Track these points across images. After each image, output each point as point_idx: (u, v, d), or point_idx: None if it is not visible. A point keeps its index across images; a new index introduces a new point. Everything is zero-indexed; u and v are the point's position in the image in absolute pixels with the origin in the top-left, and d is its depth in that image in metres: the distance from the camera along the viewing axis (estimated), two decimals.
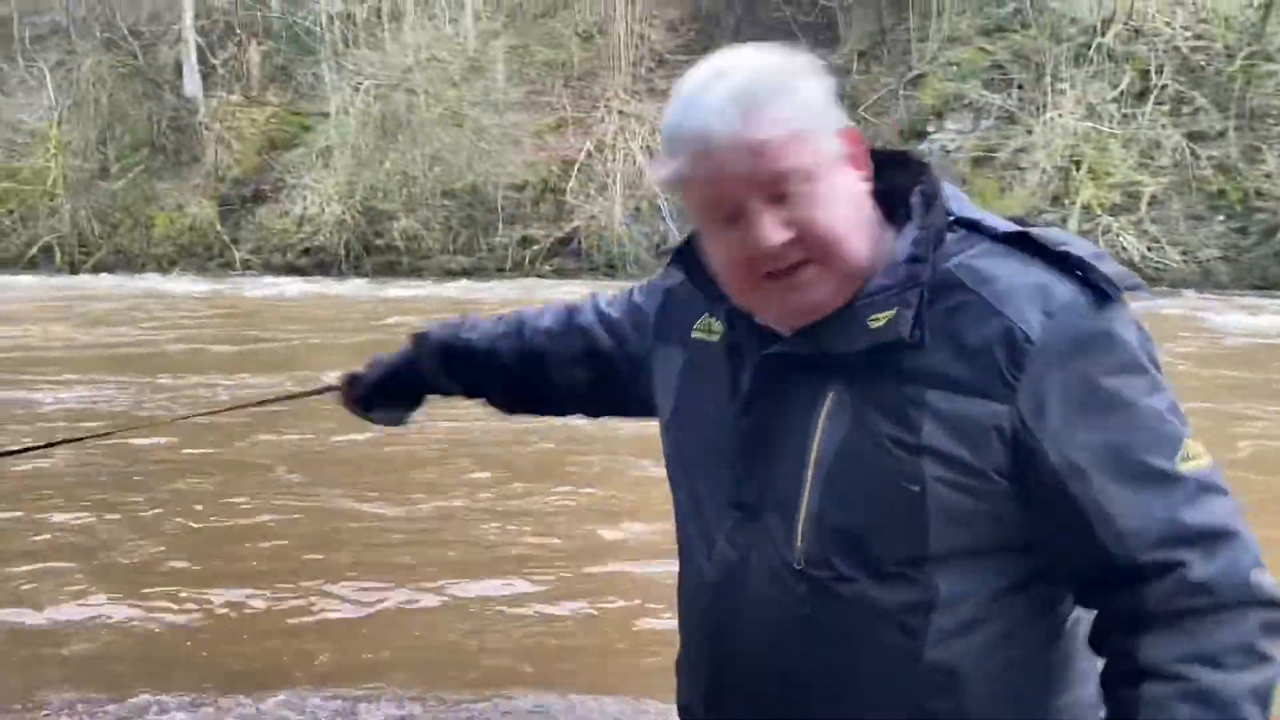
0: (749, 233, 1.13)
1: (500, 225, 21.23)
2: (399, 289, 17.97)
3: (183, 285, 18.72)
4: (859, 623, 1.13)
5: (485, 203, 21.42)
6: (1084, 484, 1.09)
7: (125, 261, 22.24)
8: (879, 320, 1.13)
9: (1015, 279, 1.13)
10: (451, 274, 20.64)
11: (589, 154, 21.12)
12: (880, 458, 1.12)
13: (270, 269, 21.17)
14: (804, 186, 1.13)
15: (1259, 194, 17.84)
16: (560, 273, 20.42)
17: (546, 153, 21.75)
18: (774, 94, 1.12)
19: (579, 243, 20.75)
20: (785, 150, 1.12)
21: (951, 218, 1.18)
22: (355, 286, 18.74)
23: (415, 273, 20.80)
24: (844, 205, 1.15)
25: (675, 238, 20.38)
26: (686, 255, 1.30)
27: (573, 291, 17.74)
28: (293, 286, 18.57)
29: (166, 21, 24.23)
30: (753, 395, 1.20)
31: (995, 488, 1.11)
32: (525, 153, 21.73)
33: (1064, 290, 1.12)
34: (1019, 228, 1.18)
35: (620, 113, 21.33)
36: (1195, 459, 1.11)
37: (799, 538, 1.15)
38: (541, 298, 16.67)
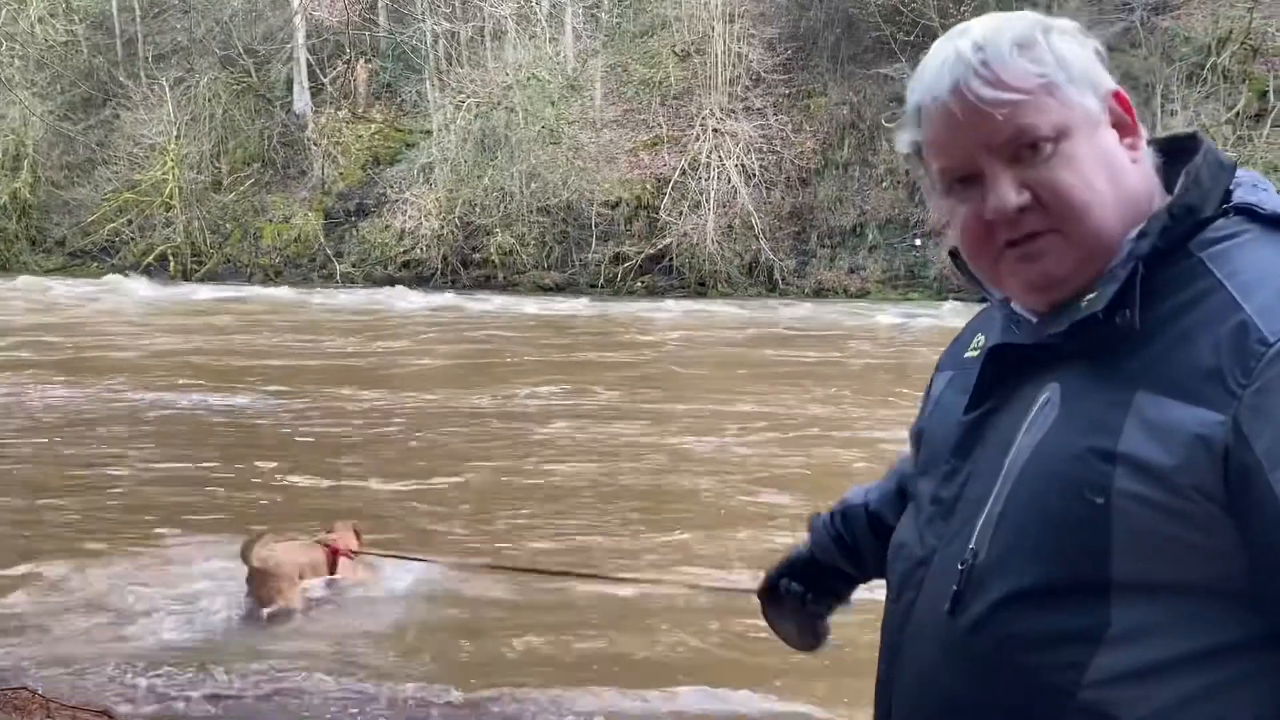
0: (986, 196, 1.04)
1: (594, 241, 21.39)
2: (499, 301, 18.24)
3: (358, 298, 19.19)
4: (1017, 643, 0.98)
5: (579, 219, 21.61)
6: None
7: (234, 271, 23.02)
8: (1089, 301, 1.01)
9: (1271, 269, 0.97)
10: (544, 289, 20.86)
11: (683, 172, 21.15)
12: (1069, 463, 0.97)
13: (370, 281, 21.67)
14: (1048, 146, 1.02)
15: None
16: (652, 290, 20.48)
17: (641, 170, 21.86)
18: (1021, 45, 1.03)
19: (671, 260, 20.77)
20: (1029, 105, 1.02)
21: (1229, 205, 1.03)
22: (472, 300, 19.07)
23: (510, 287, 21.07)
24: (1095, 171, 1.02)
25: (768, 256, 20.31)
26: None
27: (665, 309, 17.80)
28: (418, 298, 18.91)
29: (280, 40, 25.08)
30: (979, 390, 1.10)
31: (1197, 511, 0.92)
32: (620, 170, 21.87)
33: None
34: None
35: (715, 130, 21.33)
36: None
37: (973, 539, 1.03)
38: (630, 313, 16.80)
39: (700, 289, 20.29)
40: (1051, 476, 0.97)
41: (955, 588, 1.02)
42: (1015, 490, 1.00)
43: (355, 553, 4.65)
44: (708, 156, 21.09)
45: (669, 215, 20.87)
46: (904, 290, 19.36)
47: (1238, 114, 18.70)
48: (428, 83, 23.63)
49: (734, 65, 21.85)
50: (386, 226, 23.02)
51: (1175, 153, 1.09)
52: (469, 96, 22.89)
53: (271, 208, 23.84)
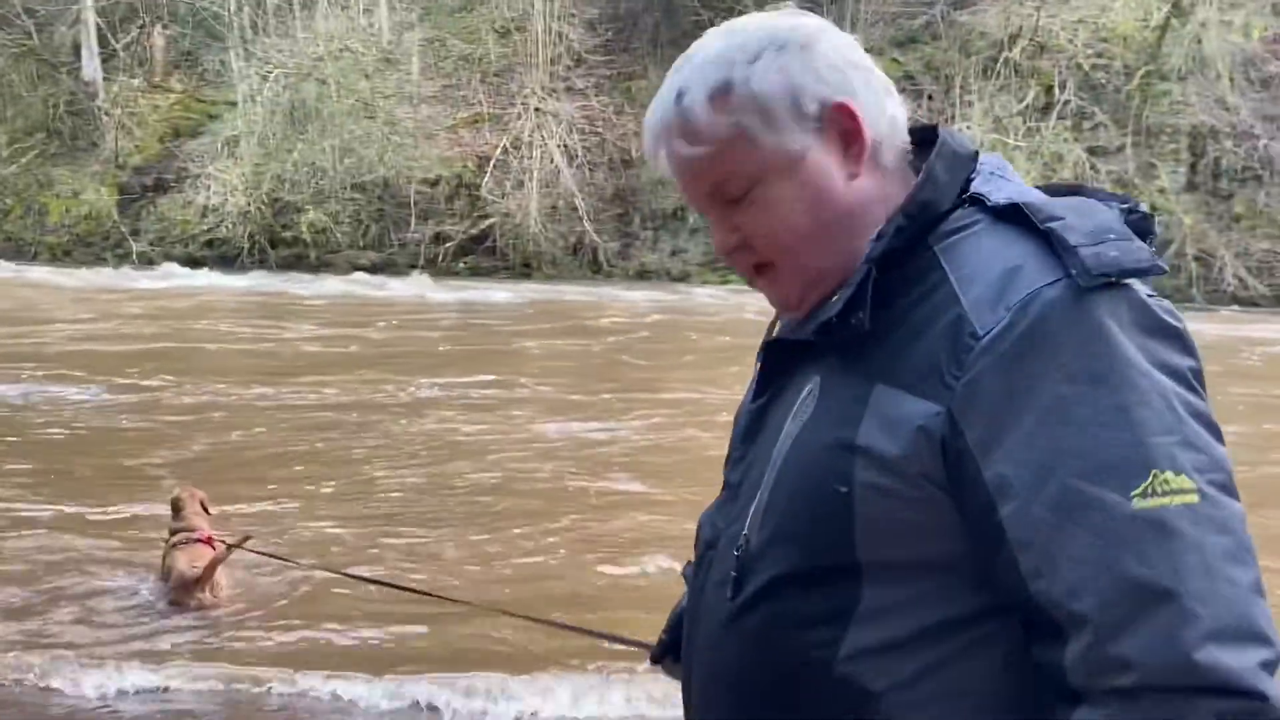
0: (714, 231, 1.14)
1: (413, 220, 20.90)
2: (305, 284, 17.56)
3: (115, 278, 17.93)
4: (781, 622, 1.04)
5: (397, 197, 21.06)
6: (1010, 505, 0.93)
7: (16, 250, 21.28)
8: (833, 301, 1.07)
9: (990, 260, 1.00)
10: (361, 269, 20.25)
11: (505, 150, 20.91)
12: (819, 454, 1.03)
13: (170, 261, 20.46)
14: (749, 192, 1.08)
15: (1154, 208, 18.28)
16: (475, 271, 20.19)
17: (462, 148, 21.47)
18: (714, 95, 1.07)
19: (494, 240, 20.53)
20: (722, 157, 1.08)
21: (966, 194, 1.07)
22: (271, 279, 18.23)
23: (323, 267, 20.34)
24: (796, 209, 1.08)
25: (592, 239, 20.36)
26: None
27: (488, 290, 17.62)
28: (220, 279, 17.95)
29: (64, 1, 23.25)
30: (761, 380, 1.18)
31: (926, 497, 0.98)
32: (440, 147, 21.42)
33: (1036, 275, 0.97)
34: (1014, 198, 1.03)
35: (538, 110, 21.16)
36: (1169, 495, 0.91)
37: (746, 525, 1.09)
38: (454, 298, 16.52)
39: (525, 270, 20.14)
40: (805, 467, 1.04)
41: (733, 572, 1.08)
42: (779, 479, 1.06)
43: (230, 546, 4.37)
44: (530, 135, 20.91)
45: (491, 194, 20.60)
46: (723, 273, 19.79)
47: (1027, 106, 19.96)
48: (231, 52, 22.44)
49: (555, 44, 21.72)
50: (188, 203, 21.77)
51: (929, 142, 1.13)
52: (277, 67, 21.88)
53: (59, 182, 22.12)
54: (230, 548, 4.28)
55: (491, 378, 9.54)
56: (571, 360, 11.10)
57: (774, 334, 1.20)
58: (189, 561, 4.39)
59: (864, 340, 1.03)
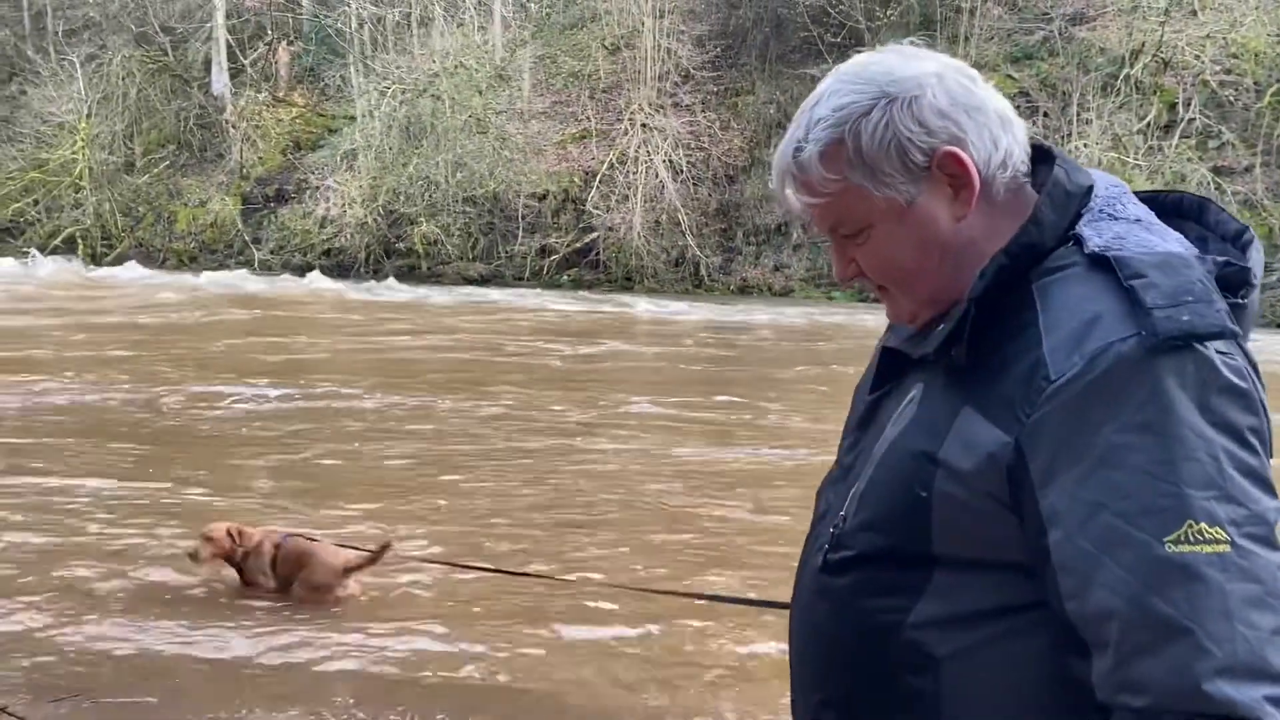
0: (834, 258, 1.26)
1: (520, 233, 21.29)
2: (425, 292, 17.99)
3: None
4: (862, 589, 1.18)
5: (506, 210, 21.50)
6: (1058, 532, 1.04)
7: (146, 255, 22.38)
8: (940, 330, 1.18)
9: (1076, 308, 1.08)
10: (469, 280, 20.70)
11: (611, 166, 21.15)
12: (908, 459, 1.15)
13: (290, 269, 21.25)
14: (860, 234, 1.19)
15: None
16: (578, 283, 20.44)
17: (569, 163, 21.81)
18: (824, 155, 1.16)
19: (598, 254, 20.77)
20: (833, 206, 1.19)
21: (1073, 233, 1.14)
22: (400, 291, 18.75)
23: (434, 278, 20.85)
24: (903, 249, 1.18)
25: (694, 253, 20.42)
26: None
27: (589, 300, 17.76)
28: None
29: (198, 19, 24.44)
30: (878, 376, 1.29)
31: (991, 511, 1.09)
32: (548, 162, 21.80)
33: (1113, 329, 1.04)
34: (1109, 248, 1.10)
35: (644, 126, 21.36)
36: (1201, 544, 0.99)
37: (846, 505, 1.23)
38: (558, 308, 16.71)
39: (627, 283, 20.32)
40: (896, 467, 1.17)
41: (827, 545, 1.23)
42: (875, 473, 1.20)
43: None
44: (636, 151, 21.13)
45: (596, 209, 20.86)
46: (826, 289, 19.63)
47: (1149, 124, 19.31)
48: (352, 68, 23.26)
49: (663, 61, 21.91)
50: (307, 213, 22.63)
51: (1048, 159, 1.22)
52: (394, 83, 22.58)
53: (187, 191, 23.26)
54: (384, 548, 4.35)
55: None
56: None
57: (890, 342, 1.31)
58: (329, 553, 4.41)
59: (962, 365, 1.15)
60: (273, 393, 8.73)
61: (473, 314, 15.61)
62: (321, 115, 23.94)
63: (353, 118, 22.90)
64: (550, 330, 14.11)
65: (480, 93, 22.41)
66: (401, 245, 21.87)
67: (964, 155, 1.16)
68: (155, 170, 23.34)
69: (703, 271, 20.40)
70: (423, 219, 21.62)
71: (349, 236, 22.08)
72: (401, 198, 21.87)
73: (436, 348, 12.10)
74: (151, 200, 23.18)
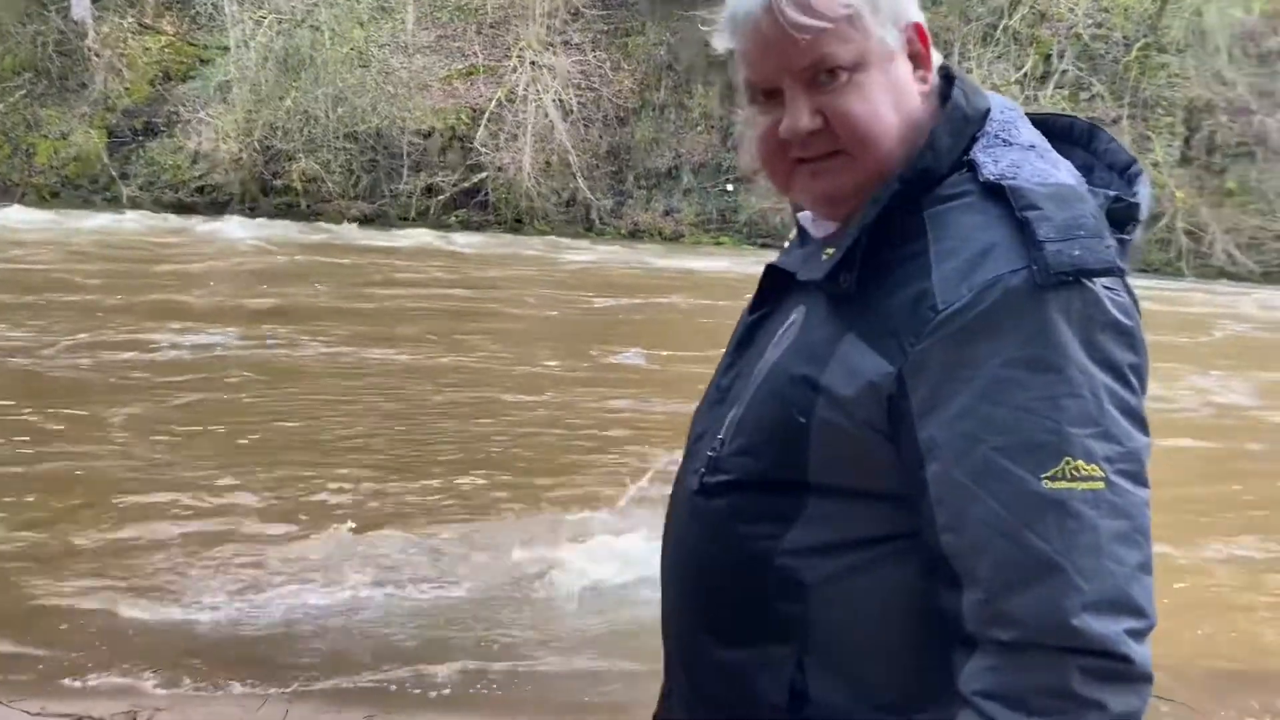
0: (784, 115, 1.14)
1: (405, 172, 20.77)
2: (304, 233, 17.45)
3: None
4: (735, 515, 1.16)
5: (390, 148, 20.91)
6: (935, 465, 1.04)
7: (3, 190, 21.06)
8: (828, 254, 1.14)
9: (968, 238, 1.07)
10: (352, 219, 20.13)
11: (499, 103, 20.75)
12: (788, 384, 1.13)
13: (160, 206, 20.30)
14: (844, 74, 1.11)
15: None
16: (466, 224, 20.10)
17: (455, 99, 21.30)
18: None
19: (487, 194, 20.43)
20: (832, 34, 1.10)
21: (969, 157, 1.12)
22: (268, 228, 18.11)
23: (313, 216, 20.22)
24: (884, 101, 1.12)
25: (585, 196, 20.28)
26: None
27: (480, 243, 17.54)
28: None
29: None
30: (758, 298, 1.26)
31: (869, 438, 1.08)
32: (433, 98, 21.24)
33: (1003, 261, 1.03)
34: (1004, 175, 1.08)
35: (533, 63, 20.98)
36: (1077, 481, 1.00)
37: (723, 429, 1.20)
38: (447, 248, 16.47)
39: (517, 225, 20.07)
40: (776, 392, 1.14)
41: (702, 469, 1.20)
42: (754, 397, 1.17)
43: None
44: (525, 89, 20.75)
45: (484, 147, 20.47)
46: (715, 234, 19.78)
47: (1025, 75, 19.91)
48: None
49: None
50: (178, 148, 21.57)
51: (949, 80, 1.19)
52: (270, 12, 21.59)
53: (46, 122, 21.86)
54: None
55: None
56: None
57: (778, 262, 1.26)
58: None
59: (840, 286, 1.12)
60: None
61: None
62: (193, 45, 22.74)
63: (226, 48, 21.84)
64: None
65: (362, 25, 21.62)
66: (279, 182, 21.09)
67: (925, 32, 1.15)
68: (11, 99, 21.88)
69: (594, 215, 20.28)
70: (301, 155, 20.85)
71: (223, 173, 21.17)
72: (279, 133, 21.02)
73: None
74: (7, 131, 21.75)
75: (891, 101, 1.12)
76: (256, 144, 20.96)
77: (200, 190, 21.14)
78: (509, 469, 5.91)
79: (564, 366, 8.57)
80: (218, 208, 20.39)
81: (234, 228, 17.23)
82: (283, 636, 3.87)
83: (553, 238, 18.62)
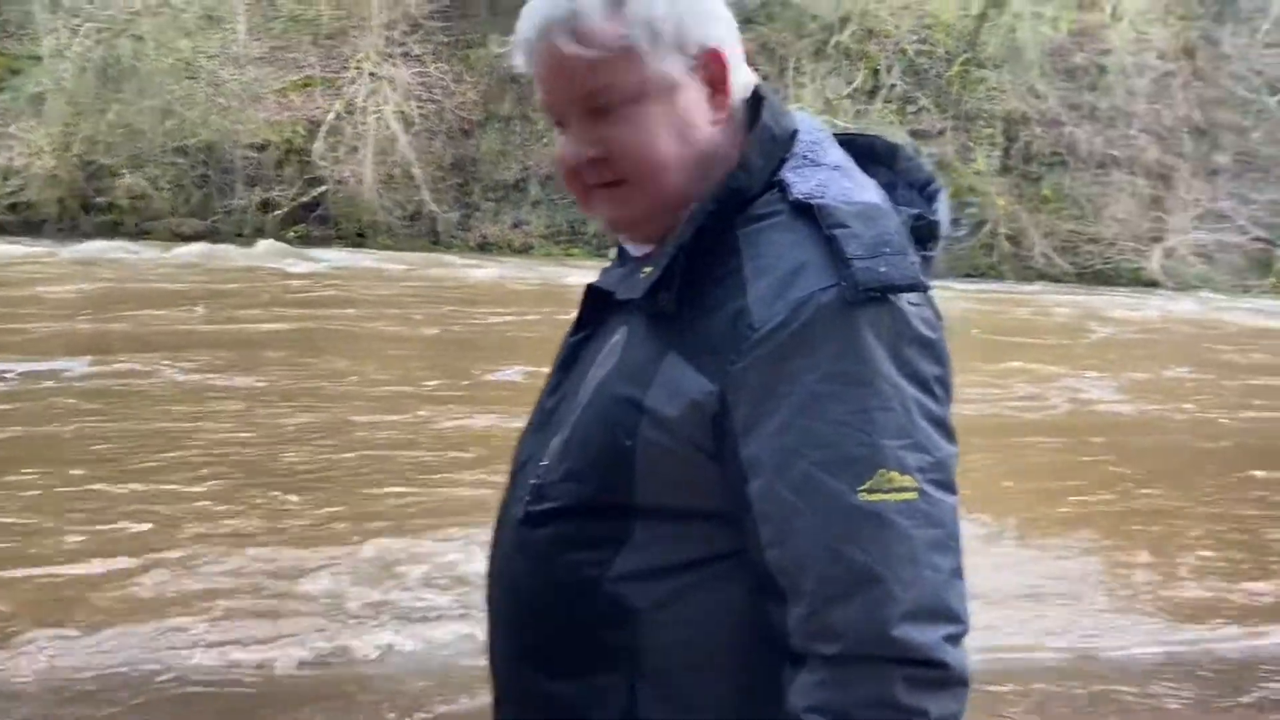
0: (569, 142, 1.16)
1: (239, 187, 20.03)
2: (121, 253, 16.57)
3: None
4: (561, 542, 1.15)
5: (222, 162, 20.13)
6: (758, 481, 1.05)
7: None
8: (646, 272, 1.14)
9: (780, 256, 1.08)
10: (183, 238, 19.27)
11: (338, 116, 20.26)
12: (612, 405, 1.12)
13: None
14: (624, 107, 1.11)
15: (971, 190, 19.62)
16: (306, 239, 19.51)
17: (291, 112, 20.68)
18: (614, 2, 1.10)
19: (327, 208, 19.89)
20: (606, 66, 1.10)
21: (778, 177, 1.14)
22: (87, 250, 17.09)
23: (142, 235, 19.26)
24: (664, 135, 1.12)
25: (430, 209, 19.97)
26: None
27: (324, 260, 17.00)
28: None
29: None
30: (580, 318, 1.24)
31: (694, 458, 1.08)
32: (268, 110, 20.57)
33: (815, 278, 1.06)
34: (812, 195, 1.10)
35: (373, 75, 20.58)
36: (891, 493, 1.03)
37: (547, 455, 1.18)
38: (288, 268, 15.90)
39: (360, 239, 19.60)
40: (600, 415, 1.13)
41: (527, 496, 1.18)
42: (578, 420, 1.15)
43: None
44: (364, 101, 20.32)
45: (323, 160, 19.94)
46: (566, 246, 19.80)
47: (856, 89, 20.72)
48: (35, 2, 20.89)
49: (390, 8, 21.14)
50: None
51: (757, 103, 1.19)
52: (87, 20, 20.51)
53: None
54: None
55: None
56: None
57: (597, 281, 1.25)
58: None
59: (661, 305, 1.12)
60: None
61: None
62: (2, 55, 21.40)
63: (39, 58, 20.62)
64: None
65: (188, 35, 20.78)
66: (102, 200, 20.02)
67: (725, 58, 1.14)
68: None
69: (440, 227, 20.00)
70: (126, 171, 19.86)
71: (38, 190, 19.96)
72: (100, 147, 19.97)
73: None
74: None
75: (674, 132, 1.12)
76: (75, 159, 19.85)
77: (13, 208, 19.86)
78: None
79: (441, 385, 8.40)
80: (31, 228, 19.19)
81: (51, 248, 16.25)
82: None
83: (396, 252, 18.26)
